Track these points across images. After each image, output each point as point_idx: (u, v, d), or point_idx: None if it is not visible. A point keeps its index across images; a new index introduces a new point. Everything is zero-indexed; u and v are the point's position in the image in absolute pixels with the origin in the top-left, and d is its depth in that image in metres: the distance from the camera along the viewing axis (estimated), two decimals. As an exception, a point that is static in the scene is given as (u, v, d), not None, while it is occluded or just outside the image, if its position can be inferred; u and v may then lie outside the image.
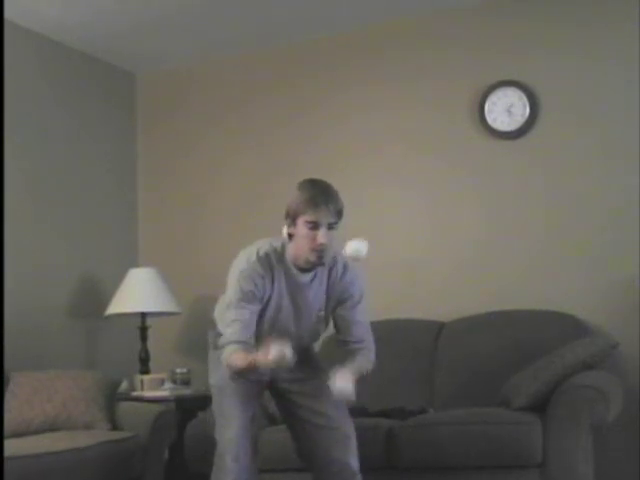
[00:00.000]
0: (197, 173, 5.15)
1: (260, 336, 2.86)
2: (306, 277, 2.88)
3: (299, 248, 2.81)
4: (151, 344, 4.73)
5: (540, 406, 3.38)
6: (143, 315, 4.69)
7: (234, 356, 2.80)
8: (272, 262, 2.84)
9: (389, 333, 4.26)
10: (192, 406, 4.16)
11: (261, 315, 2.88)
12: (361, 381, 2.86)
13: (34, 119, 4.66)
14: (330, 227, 2.77)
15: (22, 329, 4.28)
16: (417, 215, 4.57)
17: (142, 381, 4.50)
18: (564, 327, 3.92)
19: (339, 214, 2.79)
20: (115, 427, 3.88)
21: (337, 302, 2.94)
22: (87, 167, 4.99)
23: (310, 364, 3.08)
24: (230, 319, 2.84)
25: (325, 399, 2.92)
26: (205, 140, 5.16)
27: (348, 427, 2.95)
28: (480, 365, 3.97)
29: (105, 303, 4.70)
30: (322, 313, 2.94)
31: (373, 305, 4.15)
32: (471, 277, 4.40)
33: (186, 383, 4.53)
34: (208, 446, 3.57)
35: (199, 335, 5.02)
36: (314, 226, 2.75)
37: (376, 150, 4.69)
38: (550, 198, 4.30)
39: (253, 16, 4.63)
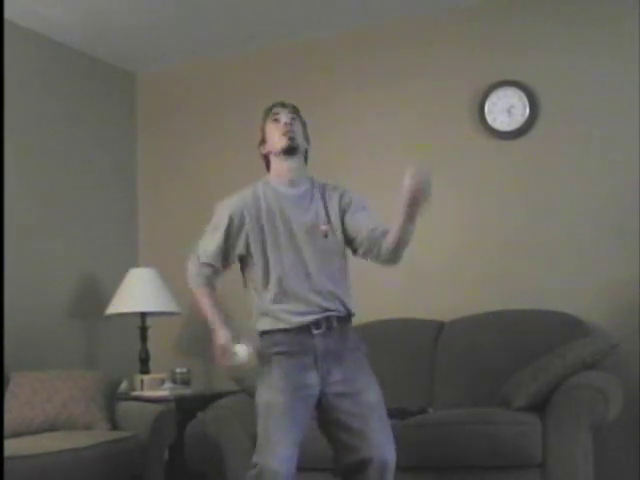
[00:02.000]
0: (197, 173, 5.15)
1: (272, 266, 2.85)
2: (296, 190, 2.95)
3: (272, 144, 2.97)
4: (151, 344, 4.73)
5: (540, 406, 3.38)
6: (143, 315, 4.69)
7: (203, 300, 2.96)
8: (256, 189, 2.97)
9: (389, 333, 4.26)
10: (192, 406, 4.15)
11: (264, 248, 2.87)
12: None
13: (34, 119, 4.66)
14: (292, 118, 2.98)
15: (22, 329, 4.28)
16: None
17: (142, 381, 4.50)
18: (564, 327, 3.92)
19: (294, 108, 3.03)
20: (115, 427, 3.88)
21: (340, 211, 2.94)
22: (87, 167, 4.99)
23: (357, 362, 2.90)
24: (199, 247, 2.99)
25: (372, 420, 2.80)
26: (205, 140, 5.16)
27: (389, 454, 2.81)
28: (480, 365, 3.97)
29: (105, 303, 4.70)
30: (326, 227, 2.90)
31: (373, 305, 4.19)
32: (471, 277, 4.40)
33: (186, 383, 4.54)
34: (208, 446, 3.57)
35: (199, 335, 5.04)
36: (276, 118, 2.99)
37: (375, 150, 4.69)
38: (550, 198, 4.30)
39: (253, 16, 4.63)
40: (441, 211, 4.51)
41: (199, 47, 5.03)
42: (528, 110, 4.33)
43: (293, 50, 4.97)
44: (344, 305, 2.90)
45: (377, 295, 4.35)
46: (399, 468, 3.42)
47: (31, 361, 4.22)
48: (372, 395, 2.86)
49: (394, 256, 2.87)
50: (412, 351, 4.17)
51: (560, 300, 4.09)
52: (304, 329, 2.83)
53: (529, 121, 4.34)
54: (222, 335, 2.86)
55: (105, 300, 4.73)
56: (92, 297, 4.88)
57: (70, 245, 4.80)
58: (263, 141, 3.03)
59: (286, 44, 4.97)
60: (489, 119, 4.43)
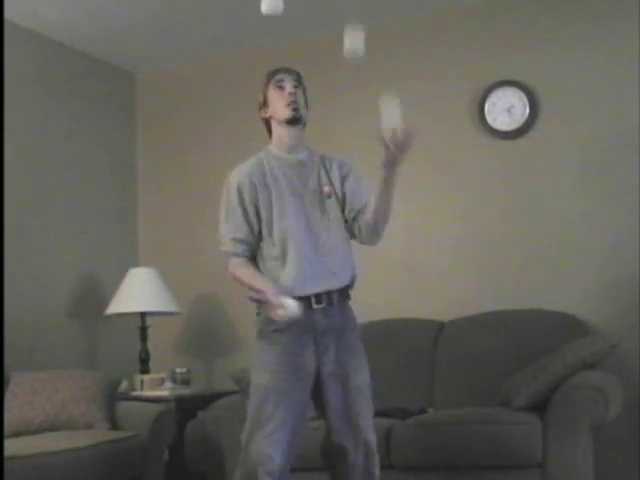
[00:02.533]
0: (197, 173, 5.15)
1: (279, 227, 2.85)
2: (296, 155, 2.96)
3: (275, 110, 2.95)
4: (151, 344, 4.73)
5: (540, 406, 3.38)
6: (143, 315, 4.69)
7: (240, 271, 2.83)
8: (259, 156, 2.96)
9: (389, 333, 4.27)
10: (192, 406, 4.16)
11: (271, 210, 2.87)
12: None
13: (34, 119, 4.67)
14: (295, 87, 2.96)
15: (22, 329, 4.28)
16: (417, 215, 4.56)
17: (142, 381, 4.50)
18: (564, 327, 3.92)
19: (298, 75, 3.01)
20: (115, 427, 3.88)
21: (341, 177, 2.98)
22: (87, 167, 4.99)
23: (352, 338, 2.90)
24: (222, 234, 2.89)
25: (359, 404, 2.81)
26: (205, 140, 5.16)
27: (371, 439, 2.82)
28: (480, 365, 3.97)
29: (105, 303, 4.70)
30: (329, 188, 2.93)
31: (373, 305, 4.19)
32: (471, 277, 4.40)
33: (186, 383, 4.54)
34: (208, 446, 3.58)
35: (199, 335, 5.05)
36: (280, 85, 2.96)
37: (375, 150, 4.67)
38: (550, 198, 4.30)
39: (253, 16, 4.60)
40: (441, 211, 4.53)
41: (199, 47, 5.03)
42: (528, 110, 4.34)
43: (293, 50, 4.97)
44: (351, 268, 2.92)
45: (377, 295, 4.35)
46: (400, 468, 3.43)
47: (31, 361, 4.22)
48: (361, 378, 2.85)
49: (373, 233, 2.91)
50: (412, 351, 4.17)
51: (560, 300, 4.09)
52: (305, 301, 2.77)
53: (529, 121, 4.34)
54: (270, 291, 2.72)
55: (105, 300, 4.73)
56: (92, 297, 4.88)
57: (70, 245, 4.80)
58: (265, 105, 3.00)
59: (286, 44, 4.97)
60: (489, 119, 4.43)
